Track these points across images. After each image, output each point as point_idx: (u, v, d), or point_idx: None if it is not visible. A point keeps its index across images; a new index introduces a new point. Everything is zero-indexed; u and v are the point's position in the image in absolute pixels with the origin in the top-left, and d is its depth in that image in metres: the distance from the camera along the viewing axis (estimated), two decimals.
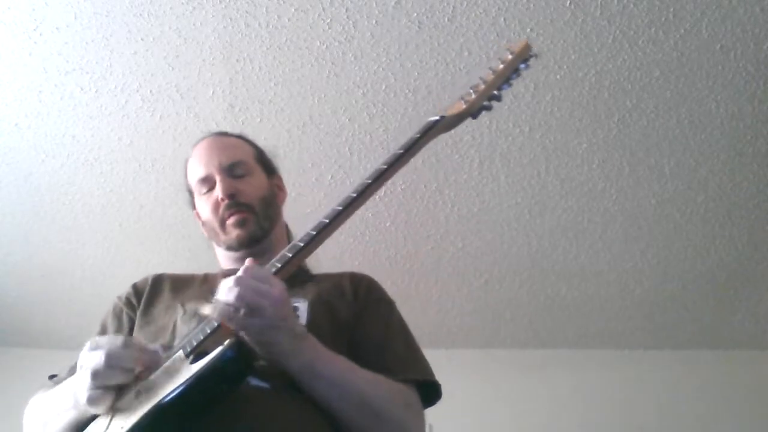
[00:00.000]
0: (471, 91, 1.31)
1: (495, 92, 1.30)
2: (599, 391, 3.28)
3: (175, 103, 2.30)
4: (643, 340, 3.37)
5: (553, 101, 2.27)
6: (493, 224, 2.75)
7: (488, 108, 1.30)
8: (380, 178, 1.18)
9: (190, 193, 1.47)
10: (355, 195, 1.16)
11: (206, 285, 1.34)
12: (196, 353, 1.02)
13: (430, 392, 1.23)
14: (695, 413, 3.19)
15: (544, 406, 3.22)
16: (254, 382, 1.06)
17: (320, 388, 1.08)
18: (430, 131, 1.30)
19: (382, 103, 2.29)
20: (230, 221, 1.36)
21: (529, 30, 2.06)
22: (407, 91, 2.26)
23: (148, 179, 2.58)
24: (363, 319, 1.28)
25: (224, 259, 1.44)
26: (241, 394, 1.01)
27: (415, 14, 2.03)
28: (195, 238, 2.82)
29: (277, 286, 1.04)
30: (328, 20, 2.06)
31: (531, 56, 1.33)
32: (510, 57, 1.32)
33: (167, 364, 1.04)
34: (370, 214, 2.69)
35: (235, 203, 1.36)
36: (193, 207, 1.47)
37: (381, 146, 2.44)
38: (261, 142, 1.53)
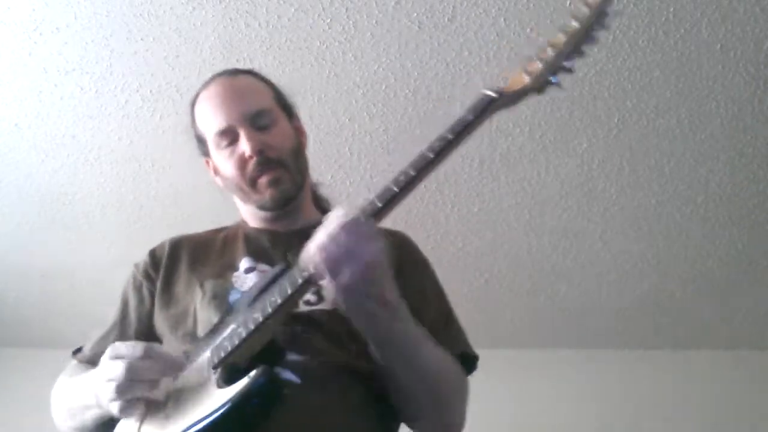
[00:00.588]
0: (536, 58, 1.02)
1: (566, 63, 1.01)
2: (599, 391, 3.28)
3: (175, 103, 2.30)
4: (643, 340, 3.37)
5: (553, 101, 2.27)
6: (493, 224, 2.75)
7: (558, 84, 1.03)
8: (425, 168, 0.98)
9: (200, 140, 1.33)
10: (396, 190, 0.98)
11: (226, 256, 1.26)
12: (225, 367, 0.97)
13: (468, 362, 1.22)
14: (695, 413, 3.19)
15: (544, 406, 3.22)
16: (287, 375, 1.02)
17: (396, 366, 1.04)
18: (485, 112, 1.02)
19: (382, 103, 2.29)
20: (262, 180, 1.23)
21: (529, 30, 2.06)
22: (407, 91, 2.26)
23: (148, 179, 2.58)
24: (399, 281, 1.11)
25: (251, 216, 1.33)
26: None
27: (415, 14, 2.03)
28: None
29: (374, 244, 0.94)
30: (328, 20, 2.06)
31: (610, 13, 1.01)
32: (586, 10, 1.01)
33: (195, 371, 1.00)
34: None
35: (265, 159, 1.23)
36: (205, 155, 1.35)
37: (381, 146, 2.44)
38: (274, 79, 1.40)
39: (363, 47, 2.13)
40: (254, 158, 1.22)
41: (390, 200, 0.97)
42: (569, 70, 1.01)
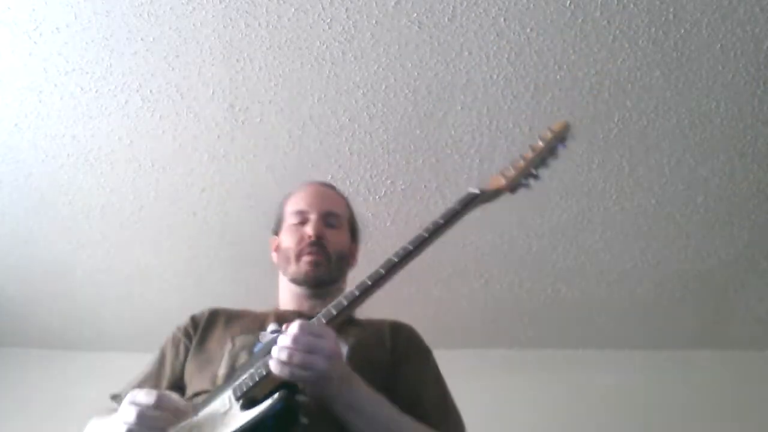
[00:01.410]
0: (511, 167, 1.36)
1: (533, 171, 1.34)
2: (599, 391, 3.28)
3: (175, 103, 2.30)
4: (643, 340, 3.37)
5: (553, 101, 2.27)
6: (493, 224, 2.75)
7: (526, 186, 1.35)
8: (421, 245, 1.26)
9: (279, 221, 1.59)
10: (396, 260, 1.23)
11: (257, 321, 1.44)
12: (247, 398, 1.12)
13: None
14: (695, 413, 3.19)
15: (544, 406, 3.22)
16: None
17: (362, 425, 1.18)
18: (469, 204, 1.34)
19: (382, 103, 2.29)
20: (306, 258, 1.48)
21: (529, 30, 2.06)
22: (407, 91, 2.26)
23: (148, 179, 2.58)
24: (400, 368, 1.37)
25: (284, 292, 1.55)
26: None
27: (415, 14, 2.03)
28: (195, 239, 2.83)
29: (330, 340, 1.13)
30: (328, 20, 2.06)
31: (567, 137, 1.38)
32: (549, 135, 1.37)
33: (218, 404, 1.15)
34: (370, 214, 2.69)
35: (318, 244, 1.48)
36: (275, 233, 1.60)
37: (381, 146, 2.44)
38: (346, 194, 1.71)
39: (363, 47, 2.13)
40: (312, 239, 1.48)
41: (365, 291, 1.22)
42: (536, 177, 1.36)
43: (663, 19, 2.02)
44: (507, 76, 2.20)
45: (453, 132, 2.39)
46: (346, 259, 1.55)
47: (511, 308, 3.19)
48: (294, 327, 1.12)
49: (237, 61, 2.17)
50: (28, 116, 2.34)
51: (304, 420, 1.13)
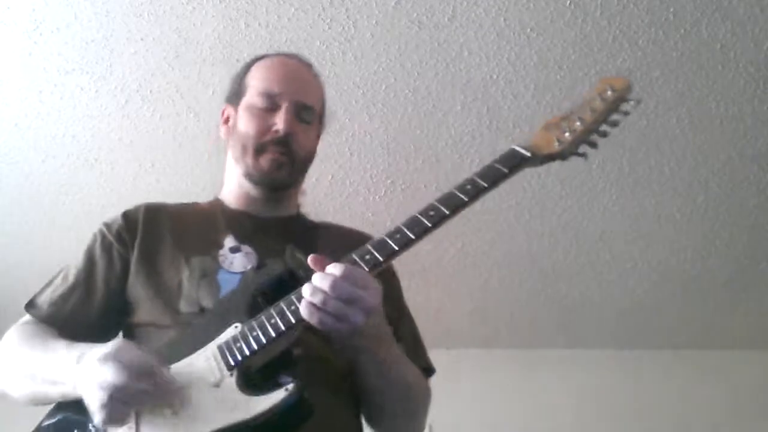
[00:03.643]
0: (564, 126, 1.11)
1: (592, 138, 1.11)
2: (599, 391, 3.28)
3: (175, 103, 2.30)
4: (643, 340, 3.37)
5: (553, 101, 2.27)
6: (493, 224, 2.75)
7: (584, 156, 1.13)
8: (456, 209, 1.04)
9: (238, 91, 1.32)
10: (429, 225, 1.04)
11: (208, 231, 1.25)
12: (242, 368, 0.98)
13: (428, 374, 1.29)
14: (695, 413, 3.19)
15: (543, 406, 3.22)
16: (283, 379, 1.02)
17: (375, 380, 1.11)
18: (517, 168, 1.10)
19: (382, 103, 2.29)
20: (269, 155, 1.25)
21: (529, 30, 2.06)
22: (407, 91, 2.26)
23: (148, 179, 2.58)
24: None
25: (231, 183, 1.33)
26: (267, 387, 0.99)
27: (415, 14, 2.03)
28: None
29: (373, 293, 0.98)
30: (328, 20, 2.06)
31: (630, 100, 1.14)
32: (610, 94, 1.12)
33: (201, 367, 0.99)
34: (370, 214, 2.69)
35: (285, 142, 1.25)
36: (231, 102, 1.34)
37: (381, 146, 2.44)
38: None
39: (363, 47, 2.13)
40: (280, 135, 1.24)
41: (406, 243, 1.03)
42: (594, 145, 1.12)
43: (663, 19, 2.02)
44: (507, 76, 2.20)
45: (453, 132, 2.39)
46: (309, 160, 1.33)
47: (511, 308, 3.19)
48: (335, 269, 0.96)
49: (237, 61, 2.17)
50: (28, 116, 2.34)
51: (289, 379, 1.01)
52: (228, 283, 1.15)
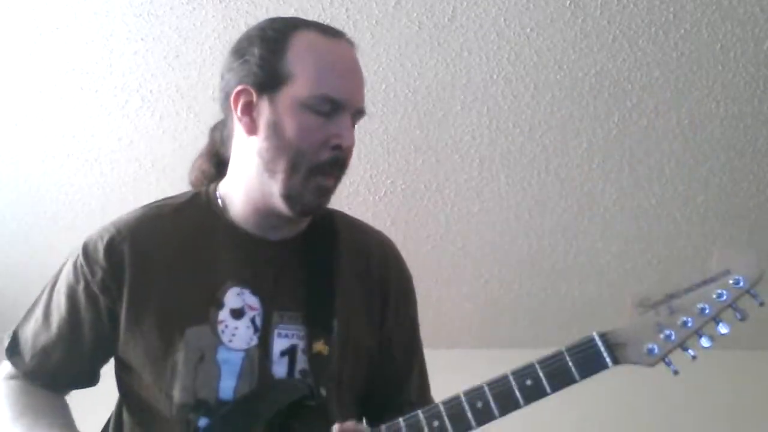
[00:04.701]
0: (665, 328, 0.89)
1: (692, 342, 0.90)
2: (599, 391, 3.27)
3: (175, 103, 2.30)
4: None
5: (553, 101, 2.27)
6: (493, 224, 2.74)
7: (676, 373, 0.96)
8: (508, 412, 1.01)
9: (274, 72, 1.03)
10: (474, 424, 0.98)
11: (206, 273, 1.06)
12: None
13: None
14: (695, 413, 3.19)
15: (543, 406, 3.22)
16: None
17: None
18: (593, 373, 1.02)
19: (382, 103, 2.29)
20: (320, 179, 1.03)
21: (529, 30, 2.06)
22: (407, 91, 2.26)
23: (148, 179, 2.58)
24: (393, 310, 1.17)
25: (244, 195, 1.08)
26: None
27: (415, 14, 2.03)
28: None
29: None
30: (328, 20, 2.05)
31: (756, 296, 0.87)
32: (734, 291, 0.85)
33: None
34: (370, 214, 2.69)
35: (343, 163, 1.05)
36: (257, 86, 1.03)
37: (381, 146, 2.44)
38: None
39: (363, 47, 2.12)
40: (340, 152, 1.03)
41: None
42: (693, 354, 0.93)
43: (663, 19, 2.02)
44: (507, 76, 2.20)
45: (453, 132, 2.39)
46: None
47: (511, 308, 3.19)
48: None
49: None
50: (28, 116, 2.34)
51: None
52: (229, 365, 1.03)
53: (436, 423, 0.94)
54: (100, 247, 1.08)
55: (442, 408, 0.94)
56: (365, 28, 2.07)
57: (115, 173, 2.56)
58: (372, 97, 2.27)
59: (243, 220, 1.10)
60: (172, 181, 2.58)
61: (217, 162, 1.18)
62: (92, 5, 2.01)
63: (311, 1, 2.00)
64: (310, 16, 2.03)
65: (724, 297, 0.84)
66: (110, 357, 1.12)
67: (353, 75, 1.08)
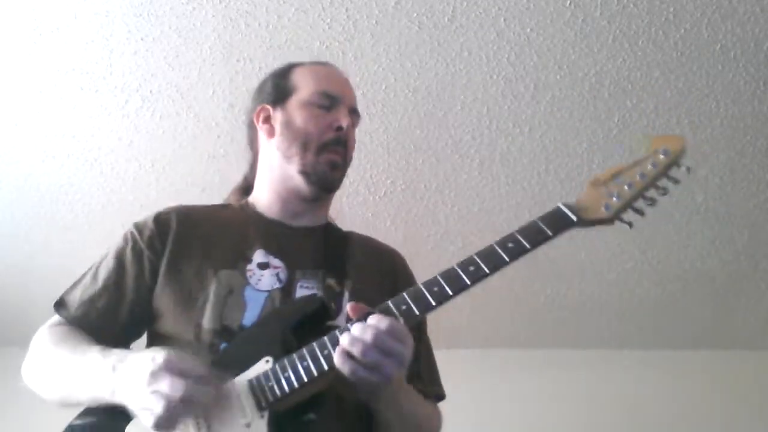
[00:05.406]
0: (614, 193, 1.10)
1: (639, 204, 1.09)
2: (599, 391, 3.28)
3: (175, 103, 2.30)
4: (643, 340, 3.37)
5: (553, 101, 2.27)
6: (493, 224, 2.75)
7: (629, 224, 1.10)
8: (497, 268, 1.10)
9: (282, 91, 1.32)
10: (468, 282, 1.07)
11: (239, 242, 1.23)
12: (273, 410, 1.00)
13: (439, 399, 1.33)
14: (695, 413, 3.19)
15: (543, 406, 3.22)
16: (301, 416, 1.05)
17: (391, 419, 1.12)
18: (562, 231, 1.15)
19: (382, 103, 2.29)
20: (328, 155, 1.26)
21: (529, 30, 2.06)
22: (407, 91, 2.26)
23: (148, 179, 2.58)
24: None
25: (269, 185, 1.31)
26: (292, 428, 1.01)
27: (415, 14, 2.03)
28: None
29: (409, 347, 1.01)
30: (328, 20, 2.06)
31: (681, 165, 1.08)
32: (663, 159, 1.08)
33: (232, 397, 1.00)
34: (370, 214, 2.69)
35: (344, 143, 1.28)
36: (272, 103, 1.32)
37: (381, 146, 2.44)
38: None
39: (363, 47, 2.13)
40: (341, 132, 1.26)
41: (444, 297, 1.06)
42: (641, 213, 1.09)
43: (663, 19, 2.02)
44: (507, 76, 2.20)
45: (453, 132, 2.39)
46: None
47: (511, 308, 3.19)
48: (379, 322, 0.98)
49: (237, 61, 2.17)
50: (28, 116, 2.34)
51: (311, 416, 1.04)
52: (254, 301, 1.16)
53: (435, 288, 1.05)
54: (150, 218, 1.27)
55: (438, 276, 1.06)
56: (365, 28, 2.07)
57: (115, 173, 2.56)
58: (372, 97, 2.27)
59: (268, 210, 1.31)
60: (173, 181, 2.58)
61: (245, 190, 1.41)
62: (92, 5, 2.01)
63: (311, 1, 2.00)
64: (310, 16, 2.05)
65: (656, 166, 1.08)
66: (145, 319, 1.21)
67: (343, 80, 1.35)
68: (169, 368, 0.95)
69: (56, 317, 1.24)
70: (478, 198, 2.64)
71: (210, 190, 2.62)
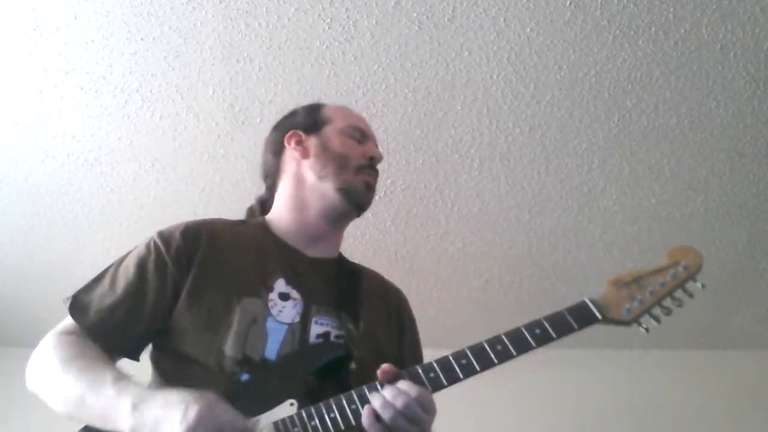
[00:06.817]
0: (636, 297, 1.20)
1: (656, 312, 1.19)
2: (599, 391, 3.28)
3: (175, 103, 2.30)
4: (644, 340, 3.36)
5: (553, 101, 2.27)
6: (493, 224, 2.74)
7: (646, 330, 1.20)
8: (523, 352, 1.19)
9: (316, 120, 1.41)
10: (496, 362, 1.16)
11: (261, 268, 1.24)
12: None
13: None
14: (695, 413, 3.19)
15: (544, 406, 3.22)
16: None
17: None
18: (587, 325, 1.25)
19: (382, 103, 2.29)
20: (364, 176, 1.36)
21: (529, 30, 2.06)
22: (407, 91, 2.26)
23: (148, 179, 2.58)
24: (402, 337, 1.39)
25: (290, 212, 1.36)
26: None
27: (415, 14, 2.03)
28: None
29: (433, 415, 1.06)
30: (328, 20, 2.06)
31: (697, 281, 1.19)
32: (682, 272, 1.18)
33: None
34: (370, 214, 2.68)
35: (376, 171, 1.41)
36: (305, 130, 1.40)
37: (381, 146, 2.43)
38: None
39: (363, 47, 2.13)
40: (374, 162, 1.40)
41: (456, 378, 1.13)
42: (658, 320, 1.19)
43: (663, 19, 2.02)
44: (507, 76, 2.20)
45: (453, 132, 2.39)
46: None
47: (511, 308, 3.19)
48: (410, 389, 1.03)
49: (237, 61, 2.17)
50: (28, 116, 2.34)
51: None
52: (275, 333, 1.18)
53: (463, 361, 1.13)
54: (177, 231, 1.25)
55: (467, 350, 1.16)
56: (365, 28, 2.07)
57: (115, 173, 2.56)
58: (372, 97, 2.27)
59: (285, 232, 1.34)
60: (172, 181, 2.58)
61: (262, 207, 1.46)
62: (92, 5, 2.01)
63: (311, 1, 2.00)
64: (310, 17, 2.05)
65: (676, 278, 1.18)
66: (160, 332, 1.20)
67: (367, 125, 1.47)
68: (206, 426, 0.97)
69: (68, 321, 1.23)
70: (478, 198, 2.64)
71: (210, 190, 2.62)
